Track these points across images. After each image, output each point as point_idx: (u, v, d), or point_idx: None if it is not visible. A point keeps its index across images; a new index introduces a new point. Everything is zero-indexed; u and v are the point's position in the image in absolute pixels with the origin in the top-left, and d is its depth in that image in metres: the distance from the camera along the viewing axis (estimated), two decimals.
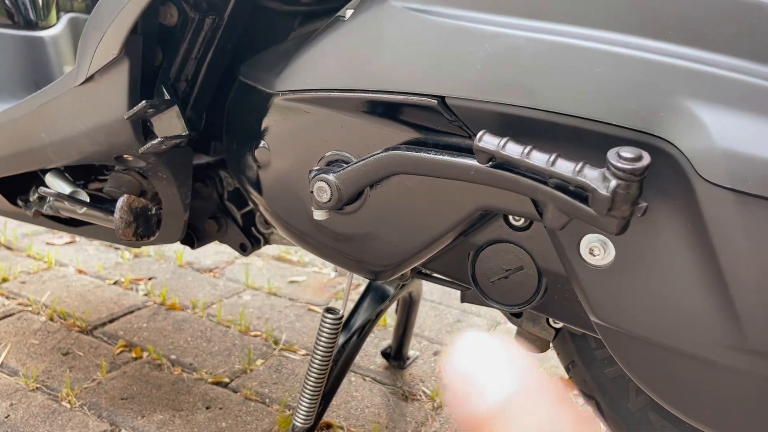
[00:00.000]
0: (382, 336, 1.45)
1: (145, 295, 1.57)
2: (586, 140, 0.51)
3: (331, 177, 0.64)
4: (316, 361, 0.91)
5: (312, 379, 0.91)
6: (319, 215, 0.66)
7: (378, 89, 0.60)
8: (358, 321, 1.03)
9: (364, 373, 1.30)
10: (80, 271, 1.69)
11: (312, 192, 0.65)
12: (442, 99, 0.57)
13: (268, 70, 0.71)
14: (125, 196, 0.77)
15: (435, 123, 0.60)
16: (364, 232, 0.68)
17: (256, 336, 1.42)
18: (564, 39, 0.51)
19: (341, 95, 0.62)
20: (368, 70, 0.60)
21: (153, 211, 0.81)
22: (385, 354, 1.34)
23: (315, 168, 0.66)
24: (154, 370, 1.26)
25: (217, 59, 0.83)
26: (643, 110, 0.48)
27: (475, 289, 0.70)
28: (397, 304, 1.27)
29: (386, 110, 0.61)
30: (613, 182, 0.47)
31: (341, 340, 1.04)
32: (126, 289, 1.61)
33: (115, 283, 1.63)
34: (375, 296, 1.05)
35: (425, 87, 0.57)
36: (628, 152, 0.46)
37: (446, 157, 0.57)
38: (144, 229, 0.79)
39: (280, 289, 1.66)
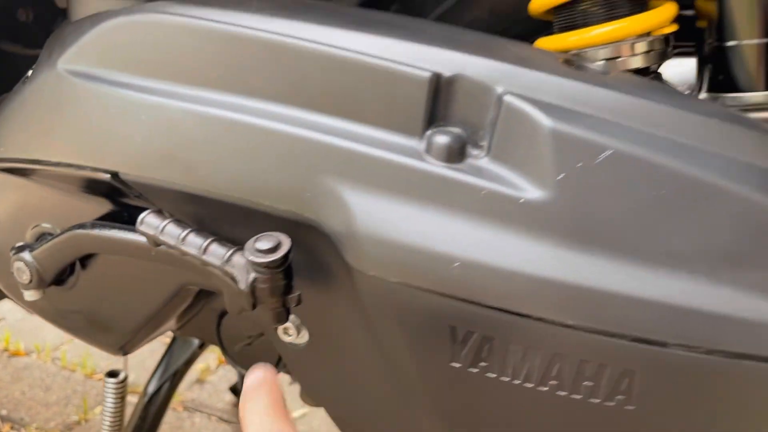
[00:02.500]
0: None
1: None
2: (254, 221, 0.47)
3: (27, 256, 0.58)
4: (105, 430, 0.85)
5: None
6: (29, 296, 0.60)
7: (56, 161, 0.54)
8: (170, 369, 0.98)
9: (211, 412, 1.25)
10: None
11: (13, 272, 0.59)
12: (116, 173, 0.51)
13: None
14: None
15: (124, 197, 0.54)
16: (87, 306, 0.62)
17: (100, 380, 1.34)
18: (211, 110, 0.46)
19: (27, 167, 0.56)
20: (44, 139, 0.54)
21: None
22: (233, 389, 1.28)
23: (17, 245, 0.59)
24: None
25: None
26: (290, 189, 0.44)
27: (227, 357, 0.66)
28: None
29: (75, 183, 0.55)
30: (252, 275, 0.42)
31: (152, 388, 0.99)
32: None
33: None
34: (182, 341, 0.99)
35: (97, 161, 0.51)
36: (263, 242, 0.42)
37: (125, 237, 0.52)
38: None
39: None
